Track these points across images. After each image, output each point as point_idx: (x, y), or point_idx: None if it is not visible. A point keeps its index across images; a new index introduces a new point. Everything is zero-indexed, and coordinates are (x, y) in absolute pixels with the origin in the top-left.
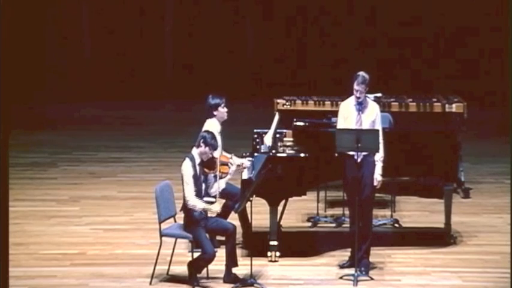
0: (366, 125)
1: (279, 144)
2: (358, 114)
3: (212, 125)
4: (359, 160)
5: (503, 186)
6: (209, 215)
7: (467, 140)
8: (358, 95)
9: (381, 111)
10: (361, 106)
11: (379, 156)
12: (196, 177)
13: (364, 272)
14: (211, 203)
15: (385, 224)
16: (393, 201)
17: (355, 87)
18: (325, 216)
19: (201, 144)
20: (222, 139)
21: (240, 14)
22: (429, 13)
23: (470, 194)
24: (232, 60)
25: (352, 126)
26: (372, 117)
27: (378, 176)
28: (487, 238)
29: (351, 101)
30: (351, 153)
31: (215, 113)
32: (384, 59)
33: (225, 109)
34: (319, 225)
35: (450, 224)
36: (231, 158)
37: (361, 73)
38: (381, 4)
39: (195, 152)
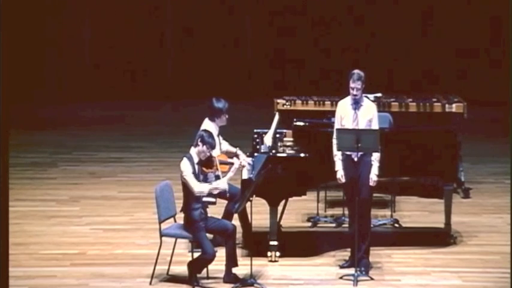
0: (362, 124)
1: (279, 144)
2: (355, 112)
3: (209, 127)
4: (356, 159)
5: (503, 186)
6: (215, 192)
7: (467, 140)
8: (354, 93)
9: (381, 111)
10: (357, 105)
11: (375, 156)
12: (195, 176)
13: (364, 272)
14: (212, 201)
15: (385, 224)
16: (393, 201)
17: (351, 84)
18: (325, 216)
19: (199, 143)
20: (219, 140)
21: (239, 13)
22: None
23: (470, 194)
24: (232, 59)
25: (349, 125)
26: (369, 116)
27: (373, 175)
28: (487, 238)
29: (347, 101)
30: (349, 153)
31: (216, 119)
32: None
33: (226, 116)
34: (319, 225)
35: (450, 224)
36: (236, 152)
37: (356, 71)
38: None
39: (193, 151)
